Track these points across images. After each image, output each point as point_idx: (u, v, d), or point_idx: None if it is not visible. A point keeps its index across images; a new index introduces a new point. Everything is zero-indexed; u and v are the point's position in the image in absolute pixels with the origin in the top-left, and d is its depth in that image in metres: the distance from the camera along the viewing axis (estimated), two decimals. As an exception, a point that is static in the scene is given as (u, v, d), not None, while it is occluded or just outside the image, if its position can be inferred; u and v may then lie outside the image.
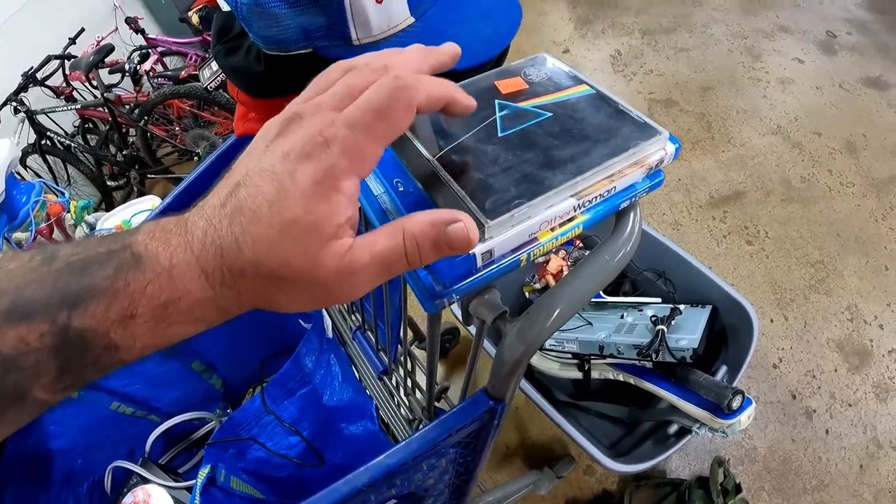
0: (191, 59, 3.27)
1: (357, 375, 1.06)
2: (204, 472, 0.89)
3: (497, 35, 0.59)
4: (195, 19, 3.35)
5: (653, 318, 1.26)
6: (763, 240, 2.04)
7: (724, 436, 1.17)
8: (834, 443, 1.60)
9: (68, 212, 2.13)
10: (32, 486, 0.84)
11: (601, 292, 1.41)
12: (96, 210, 2.45)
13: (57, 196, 2.15)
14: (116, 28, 3.10)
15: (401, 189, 0.42)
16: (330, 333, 0.97)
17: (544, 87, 0.48)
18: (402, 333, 0.70)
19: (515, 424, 1.72)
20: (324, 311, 1.00)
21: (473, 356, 0.54)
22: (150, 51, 2.98)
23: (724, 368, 1.26)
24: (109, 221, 1.83)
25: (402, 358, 0.74)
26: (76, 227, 2.11)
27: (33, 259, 0.28)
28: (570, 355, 1.38)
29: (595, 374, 1.37)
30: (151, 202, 1.85)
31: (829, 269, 1.94)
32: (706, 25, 2.98)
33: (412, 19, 0.53)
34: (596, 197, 0.40)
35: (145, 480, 0.95)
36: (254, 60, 0.58)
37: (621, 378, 1.35)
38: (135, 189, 2.81)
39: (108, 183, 2.88)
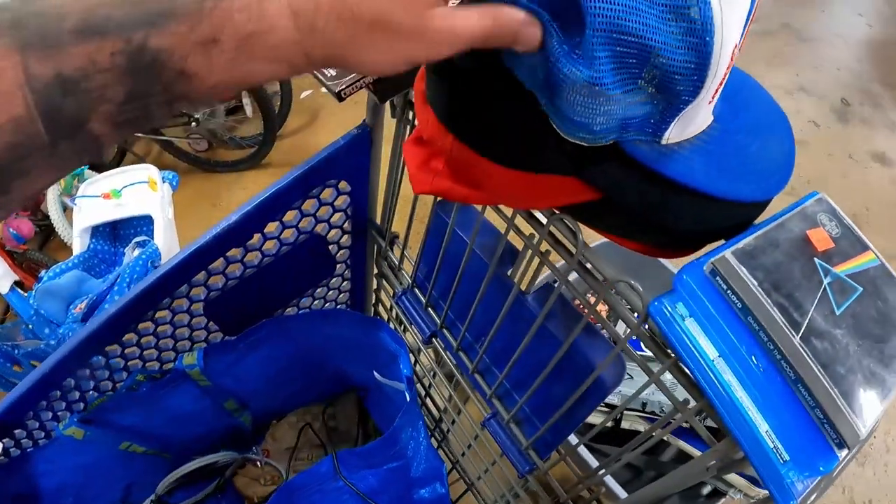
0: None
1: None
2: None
3: (787, 159, 0.48)
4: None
5: (699, 381, 1.29)
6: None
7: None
8: (817, 501, 1.70)
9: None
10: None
11: (642, 346, 1.43)
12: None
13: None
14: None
15: (761, 369, 0.41)
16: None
17: (843, 248, 0.47)
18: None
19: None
20: (414, 369, 0.93)
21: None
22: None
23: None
24: (95, 186, 1.66)
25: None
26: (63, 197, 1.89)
27: None
28: (603, 404, 1.39)
29: (625, 425, 1.39)
30: (146, 172, 1.68)
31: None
32: (726, 69, 3.03)
33: (712, 118, 0.44)
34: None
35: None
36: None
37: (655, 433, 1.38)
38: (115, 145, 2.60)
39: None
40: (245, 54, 0.28)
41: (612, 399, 1.38)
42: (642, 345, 1.36)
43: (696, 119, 0.40)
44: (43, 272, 1.44)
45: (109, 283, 1.31)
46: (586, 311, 0.55)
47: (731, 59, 0.36)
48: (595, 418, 1.40)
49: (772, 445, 0.39)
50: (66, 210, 1.86)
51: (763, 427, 0.39)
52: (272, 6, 0.27)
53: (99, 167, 2.25)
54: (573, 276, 0.53)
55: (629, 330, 0.48)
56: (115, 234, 1.71)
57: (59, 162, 0.26)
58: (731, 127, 0.45)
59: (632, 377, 1.38)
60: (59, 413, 0.77)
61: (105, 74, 0.25)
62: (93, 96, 0.25)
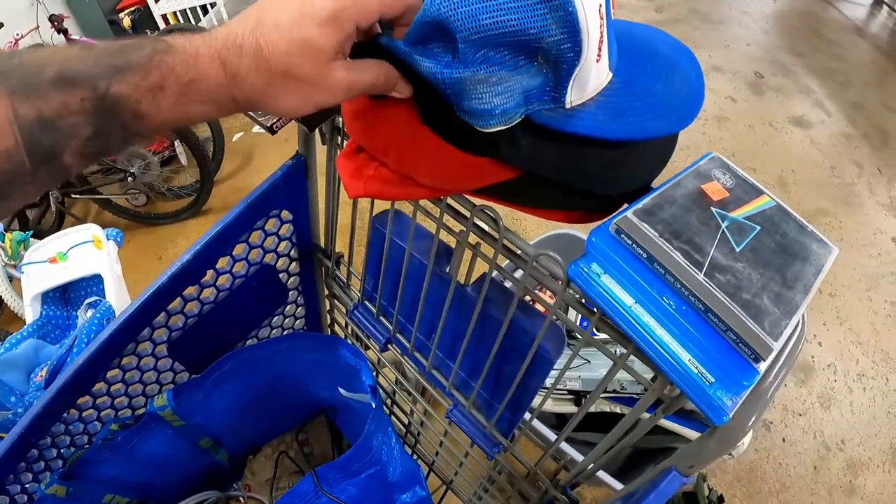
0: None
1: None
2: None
3: (694, 92, 0.50)
4: (126, 22, 3.15)
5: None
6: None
7: (730, 457, 1.28)
8: (790, 449, 1.79)
9: (2, 246, 1.83)
10: None
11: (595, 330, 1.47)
12: (7, 229, 2.15)
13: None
14: (38, 26, 2.85)
15: (673, 307, 0.45)
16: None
17: (738, 195, 0.52)
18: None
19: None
20: (380, 381, 0.95)
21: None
22: (78, 55, 2.73)
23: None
24: (41, 251, 1.65)
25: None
26: (8, 268, 1.81)
27: (72, 47, 0.33)
28: (565, 391, 1.44)
29: (591, 408, 1.42)
30: (90, 232, 1.68)
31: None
32: (643, 59, 3.17)
33: (611, 75, 0.47)
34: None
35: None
36: None
37: (618, 410, 1.42)
38: (53, 208, 2.49)
39: (20, 200, 2.52)
40: (184, 97, 0.35)
41: (573, 385, 1.42)
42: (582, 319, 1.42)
43: (590, 78, 0.43)
44: (-2, 345, 1.42)
45: (67, 347, 1.30)
46: (530, 298, 0.58)
47: (601, 19, 0.40)
48: (561, 406, 1.44)
49: (696, 371, 0.43)
50: (13, 280, 1.82)
51: (685, 356, 0.44)
52: (205, 60, 0.35)
53: (40, 234, 2.20)
54: (520, 271, 0.56)
55: (562, 302, 0.52)
56: (66, 297, 1.69)
57: (35, 188, 0.33)
58: (632, 76, 0.48)
59: (589, 361, 1.43)
60: (39, 474, 0.77)
61: (76, 116, 0.31)
62: (66, 133, 0.31)
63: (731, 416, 0.43)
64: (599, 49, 0.42)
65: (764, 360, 0.43)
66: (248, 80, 0.36)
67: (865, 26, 3.70)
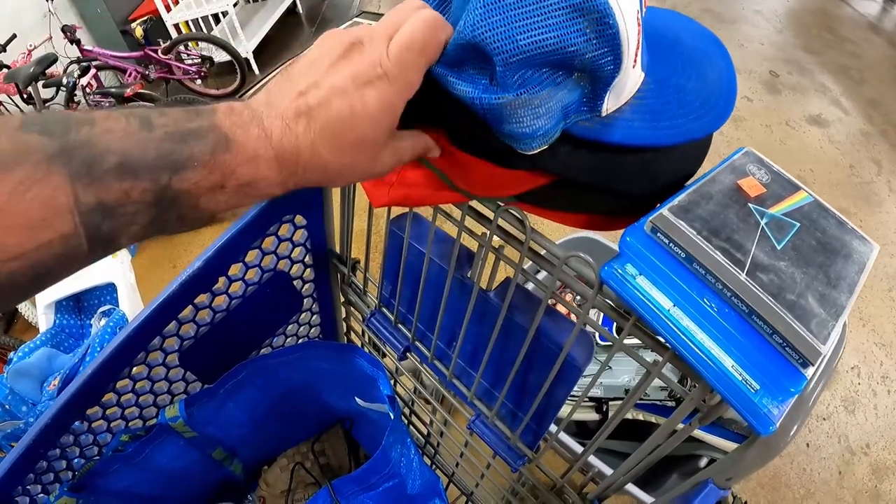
0: (130, 75, 3.07)
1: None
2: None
3: (726, 86, 0.48)
4: (139, 32, 3.17)
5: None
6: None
7: (755, 465, 1.24)
8: (814, 454, 1.75)
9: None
10: None
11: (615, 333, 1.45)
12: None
13: None
14: (51, 37, 2.87)
15: (715, 309, 0.42)
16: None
17: (775, 191, 0.50)
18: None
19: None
20: (397, 390, 0.93)
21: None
22: (90, 64, 2.75)
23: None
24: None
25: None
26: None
27: (130, 123, 0.32)
28: (586, 398, 1.41)
29: (610, 414, 1.40)
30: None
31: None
32: (655, 59, 3.15)
33: (643, 74, 0.45)
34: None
35: None
36: None
37: (641, 417, 1.39)
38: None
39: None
40: (241, 194, 0.36)
41: (594, 392, 1.39)
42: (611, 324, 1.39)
43: (627, 84, 0.42)
44: (12, 354, 1.41)
45: (80, 356, 1.28)
46: (553, 301, 0.56)
47: (639, 25, 0.38)
48: (582, 414, 1.41)
49: (740, 378, 0.40)
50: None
51: (728, 362, 0.41)
52: (263, 162, 0.35)
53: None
54: (542, 273, 0.54)
55: (588, 304, 0.50)
56: (80, 306, 1.68)
57: (84, 266, 0.32)
58: (664, 74, 0.47)
59: (611, 367, 1.40)
60: (48, 485, 0.75)
61: (136, 205, 0.31)
62: (125, 220, 0.31)
63: (777, 425, 0.40)
64: (636, 55, 0.40)
65: (812, 365, 0.40)
66: (305, 178, 0.38)
67: (879, 22, 3.65)
